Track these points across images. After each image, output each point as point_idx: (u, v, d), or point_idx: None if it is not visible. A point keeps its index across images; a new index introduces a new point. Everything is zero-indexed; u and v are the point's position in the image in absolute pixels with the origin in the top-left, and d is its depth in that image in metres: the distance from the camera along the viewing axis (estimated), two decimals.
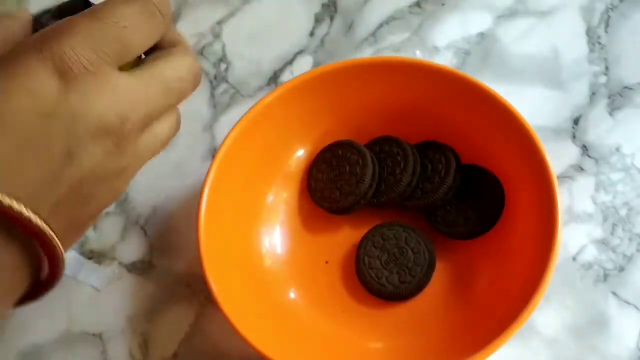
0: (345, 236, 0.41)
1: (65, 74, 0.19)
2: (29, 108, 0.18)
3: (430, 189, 0.39)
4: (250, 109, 0.39)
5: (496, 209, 0.38)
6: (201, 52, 0.50)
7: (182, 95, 0.24)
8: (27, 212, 0.18)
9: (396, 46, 0.48)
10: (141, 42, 0.21)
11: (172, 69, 0.23)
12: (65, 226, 0.21)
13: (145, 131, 0.23)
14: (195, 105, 0.49)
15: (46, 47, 0.19)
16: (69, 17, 0.20)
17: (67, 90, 0.19)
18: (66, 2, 0.23)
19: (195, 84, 0.25)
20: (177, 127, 0.26)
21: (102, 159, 0.21)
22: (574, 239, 0.40)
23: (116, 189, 0.23)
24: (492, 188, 0.39)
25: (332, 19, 0.50)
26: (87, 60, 0.19)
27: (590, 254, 0.40)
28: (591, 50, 0.46)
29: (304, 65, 0.49)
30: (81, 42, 0.19)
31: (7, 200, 0.18)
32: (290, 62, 0.49)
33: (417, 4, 0.50)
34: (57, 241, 0.20)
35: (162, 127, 0.24)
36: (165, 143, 0.25)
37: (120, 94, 0.20)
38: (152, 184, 0.46)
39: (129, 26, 0.20)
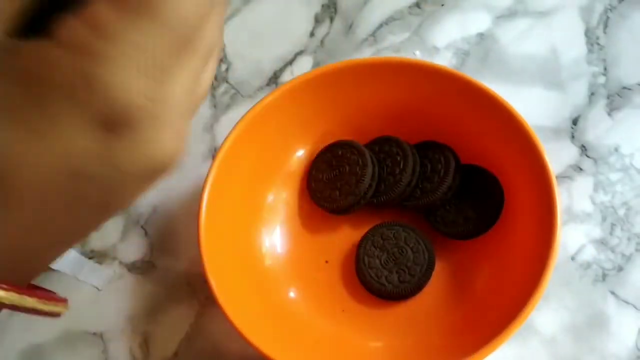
0: (345, 236, 0.41)
1: None
2: None
3: (429, 189, 0.39)
4: (251, 109, 0.39)
5: (496, 209, 0.39)
6: None
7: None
8: None
9: (396, 46, 0.49)
10: None
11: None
12: None
13: None
14: None
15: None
16: None
17: None
18: None
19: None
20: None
21: None
22: (572, 238, 0.41)
23: None
24: (492, 188, 0.39)
25: (332, 19, 0.51)
26: None
27: (589, 253, 0.40)
28: (590, 51, 0.46)
29: (304, 66, 0.49)
30: None
31: None
32: (290, 62, 0.50)
33: (417, 5, 0.50)
34: None
35: None
36: None
37: None
38: None
39: None
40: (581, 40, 0.47)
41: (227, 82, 0.49)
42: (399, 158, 0.40)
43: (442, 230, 0.40)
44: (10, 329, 0.44)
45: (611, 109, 0.44)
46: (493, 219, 0.39)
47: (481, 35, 0.48)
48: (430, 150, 0.40)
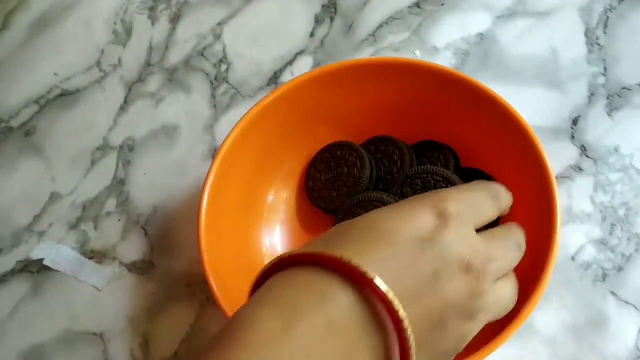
0: None
1: (442, 216, 0.25)
2: (413, 233, 0.24)
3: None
4: (250, 109, 0.39)
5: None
6: (202, 53, 0.51)
7: (515, 260, 0.28)
8: (397, 306, 0.21)
9: (396, 46, 0.49)
10: (489, 214, 0.28)
11: (509, 237, 0.28)
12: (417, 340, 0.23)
13: (494, 288, 0.26)
14: (196, 106, 0.49)
15: (435, 199, 0.25)
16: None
17: (441, 228, 0.24)
18: None
19: (521, 255, 0.29)
20: (515, 299, 0.28)
21: (463, 292, 0.24)
22: (572, 239, 0.41)
23: (463, 333, 0.24)
24: None
25: (332, 19, 0.51)
26: (458, 213, 0.25)
27: (589, 253, 0.40)
28: (590, 51, 0.46)
29: (304, 66, 0.49)
30: (456, 202, 0.25)
31: (385, 289, 0.21)
32: (290, 62, 0.50)
33: (417, 4, 0.50)
34: (413, 341, 0.22)
35: (505, 290, 0.27)
36: (506, 308, 0.27)
37: (474, 245, 0.25)
38: (152, 183, 0.47)
39: (484, 202, 0.28)
40: (581, 40, 0.47)
41: (227, 82, 0.49)
42: (395, 157, 0.40)
43: None
44: (10, 329, 0.44)
45: (611, 109, 0.44)
46: (493, 221, 0.38)
47: (481, 35, 0.48)
48: (429, 150, 0.40)
